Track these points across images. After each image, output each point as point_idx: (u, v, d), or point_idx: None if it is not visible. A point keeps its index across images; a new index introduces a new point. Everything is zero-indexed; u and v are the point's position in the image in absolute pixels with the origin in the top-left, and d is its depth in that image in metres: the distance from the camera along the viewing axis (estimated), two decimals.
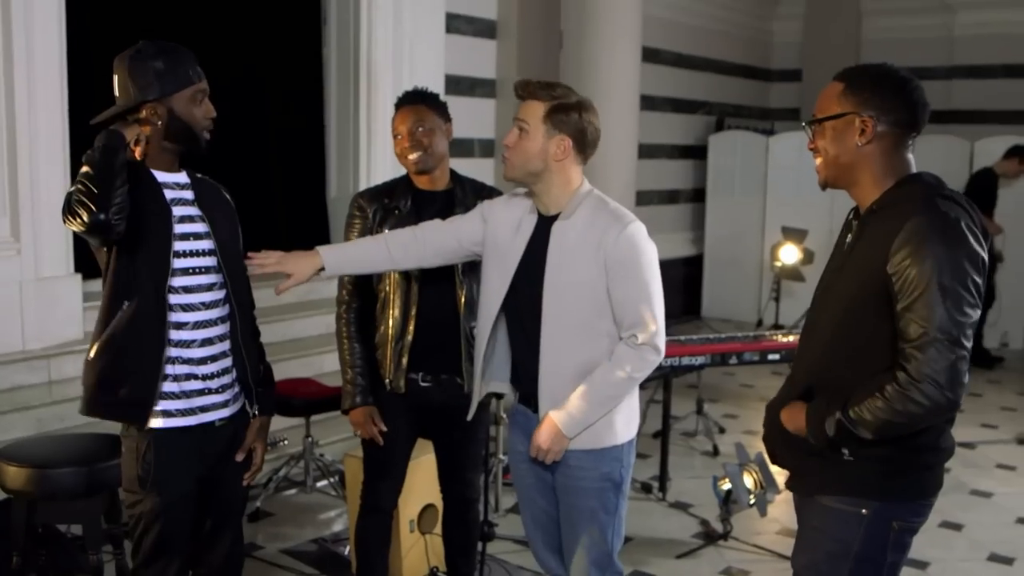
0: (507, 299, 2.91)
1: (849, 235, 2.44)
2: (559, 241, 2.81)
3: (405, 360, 3.31)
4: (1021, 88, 10.54)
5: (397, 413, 3.38)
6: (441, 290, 3.30)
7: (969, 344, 2.17)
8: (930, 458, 2.35)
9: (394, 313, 3.30)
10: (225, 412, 2.85)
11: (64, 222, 2.55)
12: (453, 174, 3.41)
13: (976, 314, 2.18)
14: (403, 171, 3.42)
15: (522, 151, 2.79)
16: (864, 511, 2.33)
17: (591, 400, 2.78)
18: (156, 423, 2.71)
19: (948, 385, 2.13)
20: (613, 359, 2.78)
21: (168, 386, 2.71)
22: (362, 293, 3.39)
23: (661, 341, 2.80)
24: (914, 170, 2.35)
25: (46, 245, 5.12)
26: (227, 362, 2.85)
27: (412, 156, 3.26)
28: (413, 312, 3.29)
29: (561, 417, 2.78)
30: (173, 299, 2.70)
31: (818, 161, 2.41)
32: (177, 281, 2.71)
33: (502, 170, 2.88)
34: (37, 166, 5.06)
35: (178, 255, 2.71)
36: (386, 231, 3.23)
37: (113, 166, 2.52)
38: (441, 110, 3.33)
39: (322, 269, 2.94)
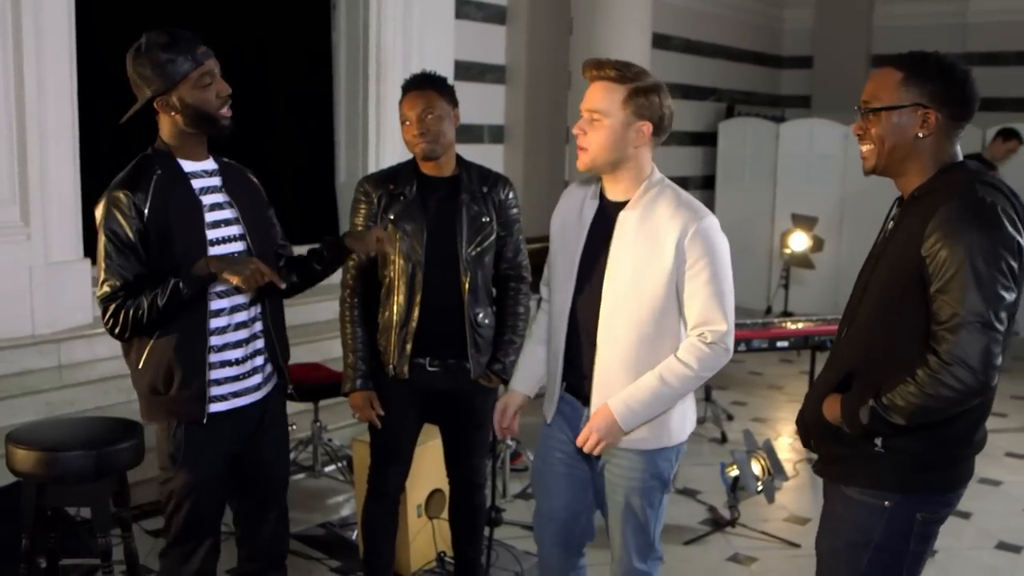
0: None
1: (891, 223, 2.40)
2: (625, 230, 2.68)
3: (409, 346, 3.30)
4: None
5: (402, 399, 3.38)
6: (446, 277, 3.29)
7: (1003, 327, 2.14)
8: (961, 451, 2.34)
9: (399, 299, 3.29)
10: (257, 395, 2.89)
11: (105, 311, 2.66)
12: (459, 160, 3.39)
13: (1011, 297, 2.16)
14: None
15: (600, 142, 2.63)
16: (887, 503, 2.33)
17: (654, 395, 2.65)
18: None
19: (980, 368, 2.11)
20: (680, 355, 2.66)
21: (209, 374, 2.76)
22: (366, 279, 3.38)
23: (731, 341, 2.68)
24: (960, 158, 2.33)
25: (56, 230, 5.13)
26: (259, 343, 2.89)
27: (421, 143, 3.24)
28: (418, 299, 3.28)
29: (619, 409, 2.66)
30: (210, 288, 2.73)
31: (866, 148, 2.36)
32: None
33: (575, 161, 2.72)
34: (47, 152, 5.07)
35: (212, 243, 2.75)
36: (391, 217, 3.25)
37: (176, 314, 2.65)
38: (449, 95, 3.29)
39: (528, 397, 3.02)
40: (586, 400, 2.79)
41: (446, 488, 3.73)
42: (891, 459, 2.31)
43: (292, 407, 5.40)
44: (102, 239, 2.68)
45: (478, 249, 3.31)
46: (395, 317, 3.30)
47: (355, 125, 7.31)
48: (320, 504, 4.91)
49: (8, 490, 3.78)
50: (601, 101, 2.61)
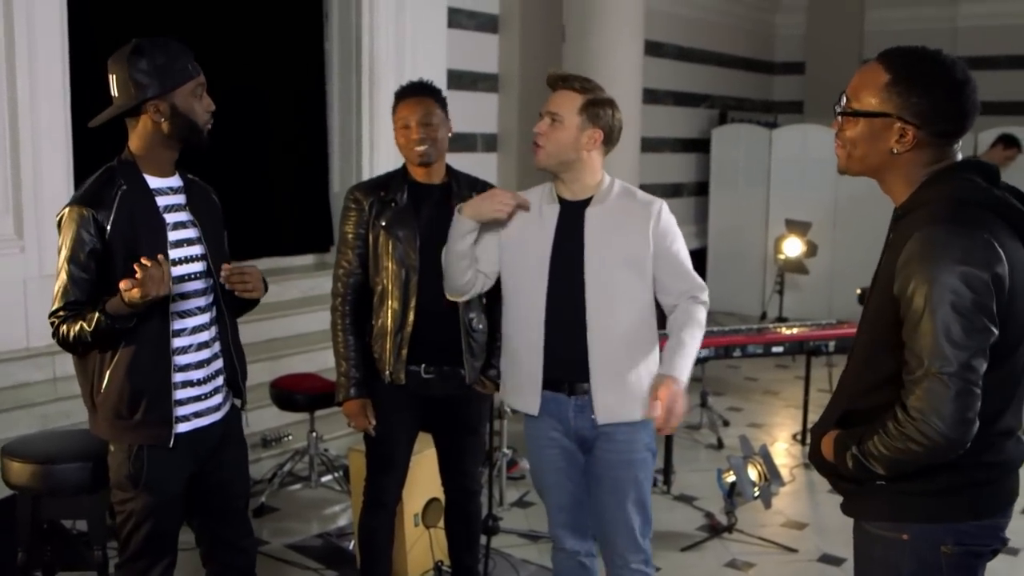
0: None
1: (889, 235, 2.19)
2: (596, 223, 2.95)
3: (405, 352, 3.31)
4: None
5: (398, 406, 3.38)
6: (440, 283, 3.29)
7: (977, 375, 1.94)
8: (977, 475, 2.09)
9: (393, 305, 3.30)
10: (218, 415, 2.86)
11: (53, 331, 2.65)
12: (448, 168, 3.44)
13: (984, 339, 1.94)
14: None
15: (556, 141, 2.93)
16: (905, 536, 2.13)
17: (689, 358, 2.92)
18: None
19: (950, 423, 1.92)
20: (691, 320, 2.97)
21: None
22: (357, 286, 3.39)
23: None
24: (955, 160, 2.09)
25: (49, 243, 5.09)
26: (219, 364, 2.87)
27: (420, 148, 3.28)
28: (413, 303, 3.29)
29: (679, 380, 2.86)
30: (172, 309, 2.71)
31: (837, 147, 2.17)
32: (174, 290, 2.70)
33: (533, 159, 2.99)
34: (40, 164, 5.07)
35: (174, 263, 2.71)
36: (383, 223, 3.29)
37: (110, 343, 2.63)
38: (443, 104, 3.37)
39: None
40: (571, 389, 2.96)
41: (443, 497, 3.73)
42: (898, 488, 2.11)
43: (287, 417, 5.45)
44: (63, 253, 2.64)
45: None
46: (390, 323, 3.30)
47: (349, 134, 7.32)
48: (317, 514, 4.90)
49: (3, 503, 3.77)
50: (561, 106, 2.94)
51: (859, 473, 2.11)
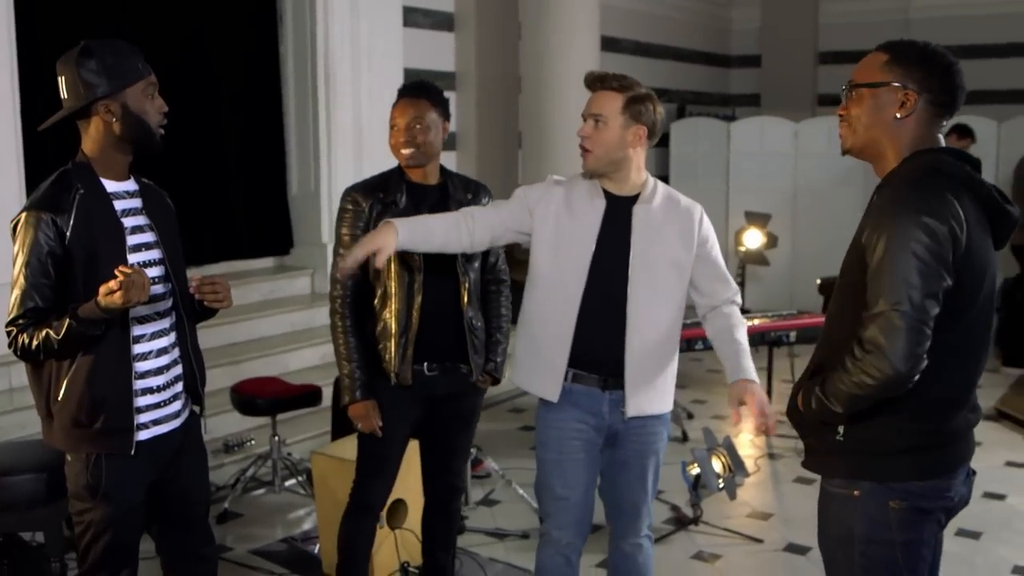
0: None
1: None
2: (644, 221, 3.00)
3: (411, 351, 3.30)
4: (977, 70, 10.56)
5: (402, 407, 3.36)
6: (443, 281, 3.30)
7: (927, 314, 2.12)
8: (924, 440, 2.29)
9: (396, 306, 3.28)
10: (177, 422, 2.82)
11: (8, 336, 2.58)
12: (442, 169, 3.43)
13: (935, 284, 2.13)
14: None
15: (603, 142, 2.96)
16: (856, 492, 2.32)
17: (751, 359, 3.04)
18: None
19: (898, 356, 2.11)
20: (736, 321, 3.10)
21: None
22: (356, 286, 3.36)
23: None
24: (938, 145, 2.31)
25: (2, 251, 5.03)
26: (178, 370, 2.82)
27: (405, 151, 3.28)
28: (417, 303, 3.28)
29: (756, 380, 2.97)
30: (132, 314, 2.65)
31: (843, 127, 2.37)
32: None
33: (582, 162, 3.01)
34: None
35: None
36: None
37: (76, 351, 2.58)
38: (443, 106, 3.34)
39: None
40: (605, 384, 3.02)
41: (409, 498, 3.70)
42: (852, 447, 2.31)
43: (249, 422, 5.40)
44: (20, 259, 2.56)
45: (471, 255, 3.35)
46: (394, 325, 3.29)
47: (305, 136, 7.28)
48: (281, 519, 4.85)
49: None
50: (603, 107, 2.96)
51: (822, 415, 2.30)
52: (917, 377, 2.16)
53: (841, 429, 2.32)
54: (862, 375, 2.16)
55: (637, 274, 2.98)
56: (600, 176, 3.03)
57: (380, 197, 3.31)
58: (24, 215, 2.59)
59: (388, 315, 3.30)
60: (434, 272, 3.27)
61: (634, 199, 3.02)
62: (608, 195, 3.03)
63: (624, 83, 2.98)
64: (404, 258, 3.25)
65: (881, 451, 2.29)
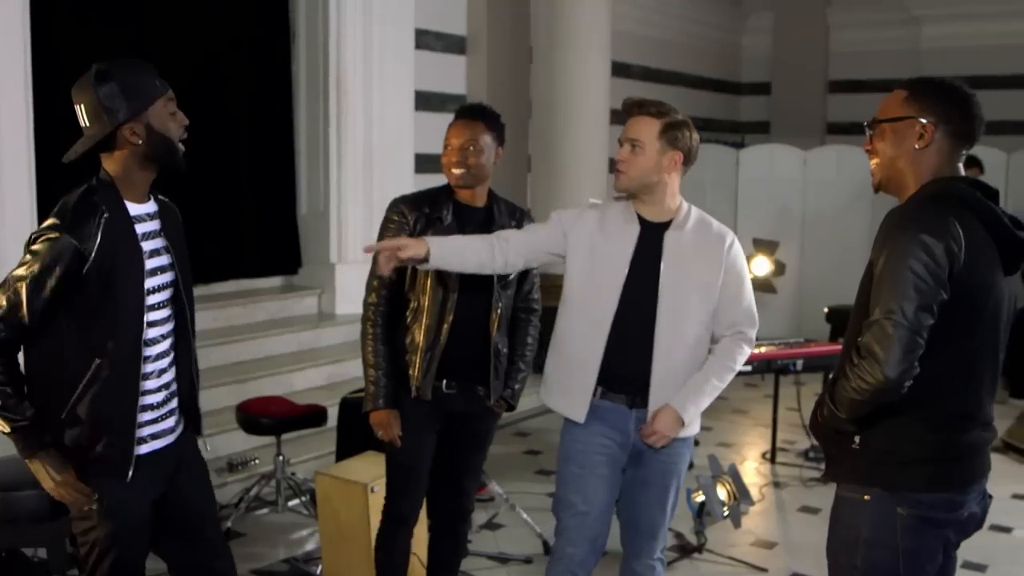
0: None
1: None
2: (675, 247, 3.07)
3: (434, 367, 3.32)
4: (986, 100, 10.39)
5: (422, 419, 3.38)
6: (476, 302, 3.32)
7: (919, 324, 2.21)
8: (939, 451, 2.38)
9: (427, 321, 3.31)
10: (171, 438, 2.80)
11: None
12: (490, 192, 3.47)
13: (932, 298, 2.22)
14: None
15: (639, 166, 3.03)
16: (866, 497, 2.40)
17: (709, 393, 3.12)
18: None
19: (887, 362, 2.21)
20: (723, 354, 3.14)
21: None
22: (391, 298, 3.39)
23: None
24: (959, 174, 2.41)
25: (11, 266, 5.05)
26: (174, 387, 2.80)
27: (456, 171, 3.31)
28: (448, 321, 3.30)
29: (686, 408, 3.07)
30: (144, 336, 2.63)
31: (873, 163, 2.48)
32: (148, 317, 2.64)
33: (615, 182, 3.11)
34: (3, 192, 4.99)
35: (148, 291, 2.64)
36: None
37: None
38: (498, 131, 3.38)
39: (426, 260, 2.98)
40: (632, 402, 3.09)
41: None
42: (867, 455, 2.40)
43: (254, 441, 5.39)
44: (24, 269, 2.51)
45: (506, 280, 3.38)
46: (422, 340, 3.31)
47: (316, 156, 7.31)
48: (284, 539, 4.84)
49: None
50: (641, 132, 3.04)
51: (833, 422, 2.41)
52: (909, 383, 2.24)
53: (857, 438, 2.41)
54: (858, 380, 2.26)
55: (666, 297, 3.05)
56: (633, 198, 3.11)
57: (426, 212, 3.34)
58: (53, 235, 2.51)
59: (418, 329, 3.33)
60: (468, 293, 3.31)
61: (667, 225, 3.09)
62: (642, 220, 3.09)
63: (662, 109, 3.06)
64: (441, 276, 3.28)
65: (896, 460, 2.38)
